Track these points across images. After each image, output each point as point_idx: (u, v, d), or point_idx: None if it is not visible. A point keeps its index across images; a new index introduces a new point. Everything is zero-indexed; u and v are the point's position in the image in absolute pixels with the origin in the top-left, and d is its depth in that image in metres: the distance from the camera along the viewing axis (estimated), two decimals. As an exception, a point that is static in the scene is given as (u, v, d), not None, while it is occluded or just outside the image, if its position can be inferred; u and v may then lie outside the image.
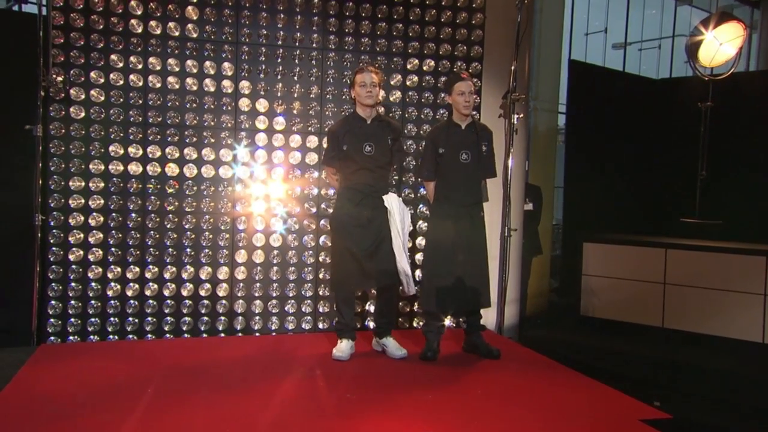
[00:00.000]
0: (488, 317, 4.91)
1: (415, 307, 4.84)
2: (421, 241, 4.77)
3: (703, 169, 6.03)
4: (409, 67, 4.81)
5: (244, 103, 4.52)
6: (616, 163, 6.71)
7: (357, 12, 4.68)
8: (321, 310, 4.70)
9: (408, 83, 4.81)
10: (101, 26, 4.31)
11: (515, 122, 4.77)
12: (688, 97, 6.24)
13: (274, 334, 4.60)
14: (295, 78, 4.60)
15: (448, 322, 4.76)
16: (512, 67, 4.75)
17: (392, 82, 4.76)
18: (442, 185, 4.09)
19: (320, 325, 4.70)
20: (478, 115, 4.91)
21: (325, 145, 4.60)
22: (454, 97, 4.03)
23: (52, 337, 4.29)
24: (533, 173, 6.84)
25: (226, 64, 4.49)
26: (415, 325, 4.85)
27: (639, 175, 6.76)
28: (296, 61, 4.60)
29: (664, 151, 6.71)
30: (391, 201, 4.00)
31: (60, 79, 4.21)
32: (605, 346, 4.57)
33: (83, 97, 4.30)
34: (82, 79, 4.29)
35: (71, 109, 4.28)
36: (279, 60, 4.57)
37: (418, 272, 4.62)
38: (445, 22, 4.84)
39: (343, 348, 3.94)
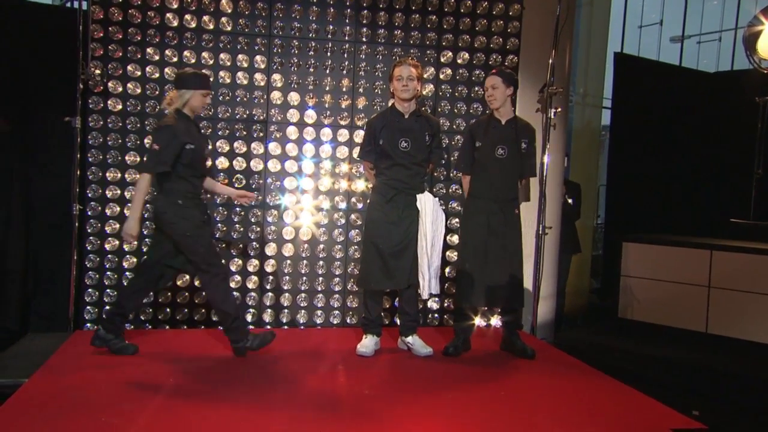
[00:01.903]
0: (523, 317, 4.79)
1: (446, 304, 4.76)
2: (451, 237, 4.69)
3: (759, 167, 5.74)
4: (442, 60, 4.72)
5: (275, 96, 4.53)
6: (664, 160, 6.46)
7: (390, 4, 4.62)
8: (349, 304, 4.68)
9: (441, 76, 4.72)
10: (138, 20, 4.39)
11: (552, 117, 4.61)
12: (745, 91, 5.94)
13: (302, 327, 4.60)
14: (327, 71, 4.57)
15: (479, 321, 4.67)
16: (550, 60, 4.59)
17: (425, 75, 4.67)
18: (477, 180, 4.00)
19: (348, 320, 4.67)
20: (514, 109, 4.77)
21: (357, 139, 4.59)
22: (485, 92, 3.96)
23: (88, 324, 4.40)
24: (575, 170, 6.65)
25: (258, 57, 4.50)
26: (444, 323, 4.77)
27: (689, 173, 6.48)
28: (328, 53, 4.58)
29: (717, 148, 6.41)
30: (425, 201, 3.91)
31: (98, 72, 4.31)
32: (643, 351, 4.38)
33: (120, 89, 4.39)
34: (120, 72, 4.38)
35: (109, 102, 4.38)
36: (311, 53, 4.56)
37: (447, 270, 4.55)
38: (481, 13, 4.72)
39: (367, 344, 3.90)
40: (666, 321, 4.72)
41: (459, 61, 4.73)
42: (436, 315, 4.80)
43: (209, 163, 3.99)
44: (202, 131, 3.93)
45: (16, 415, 2.71)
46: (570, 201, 5.64)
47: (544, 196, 4.71)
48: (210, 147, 4.01)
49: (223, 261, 4.15)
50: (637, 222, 6.14)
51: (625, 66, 6.55)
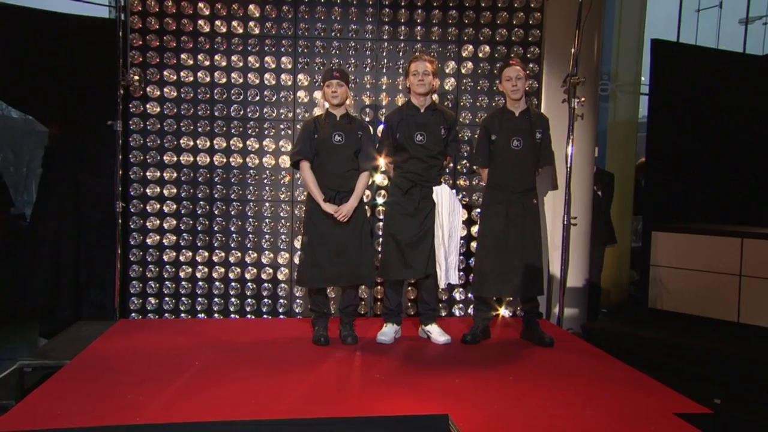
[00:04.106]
0: (551, 308, 4.80)
1: (470, 295, 4.83)
2: (472, 228, 4.76)
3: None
4: (464, 54, 4.79)
5: (301, 95, 4.72)
6: (705, 148, 6.27)
7: (411, 1, 4.72)
8: (377, 296, 4.81)
9: (463, 70, 4.79)
10: (173, 27, 4.66)
11: (575, 106, 4.60)
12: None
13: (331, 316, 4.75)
14: (351, 69, 4.72)
15: (504, 310, 4.72)
16: (572, 50, 4.58)
17: (447, 70, 4.76)
18: (494, 172, 4.08)
19: (377, 311, 4.81)
20: (536, 102, 4.81)
21: (380, 135, 4.72)
22: (503, 84, 4.03)
23: (133, 314, 4.71)
24: (611, 160, 6.56)
25: (284, 59, 4.70)
26: (470, 312, 4.83)
27: (730, 161, 6.26)
28: (351, 52, 4.73)
29: (760, 135, 6.18)
30: (441, 193, 4.01)
31: (137, 78, 4.61)
32: (671, 340, 4.32)
33: (158, 94, 4.67)
34: (157, 77, 4.67)
35: (147, 106, 4.67)
36: (334, 52, 4.72)
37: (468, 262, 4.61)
38: (502, 6, 4.77)
39: (386, 332, 4.03)
40: (697, 311, 4.63)
41: (480, 54, 4.79)
42: (461, 305, 4.88)
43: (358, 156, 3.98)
44: (353, 123, 4.00)
45: (53, 391, 2.99)
46: (599, 192, 5.58)
47: (569, 187, 4.71)
48: (364, 139, 3.99)
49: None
50: (677, 212, 6.00)
51: (663, 53, 6.39)
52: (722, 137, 6.20)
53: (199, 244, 4.73)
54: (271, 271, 4.77)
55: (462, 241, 4.58)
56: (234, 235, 4.74)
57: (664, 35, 6.52)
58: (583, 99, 4.64)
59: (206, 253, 4.74)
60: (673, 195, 6.13)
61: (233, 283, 4.75)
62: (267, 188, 4.74)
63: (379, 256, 4.27)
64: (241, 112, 4.71)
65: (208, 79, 4.69)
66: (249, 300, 4.76)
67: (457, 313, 4.88)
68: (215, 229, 4.73)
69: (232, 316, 4.75)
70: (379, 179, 4.71)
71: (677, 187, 6.14)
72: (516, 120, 4.03)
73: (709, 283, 4.56)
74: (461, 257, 4.70)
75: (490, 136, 4.07)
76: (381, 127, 4.35)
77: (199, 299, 4.75)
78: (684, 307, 4.69)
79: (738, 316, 4.43)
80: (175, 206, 4.72)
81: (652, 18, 7.30)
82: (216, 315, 4.74)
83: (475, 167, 4.55)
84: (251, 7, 4.67)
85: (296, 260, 4.73)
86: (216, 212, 4.73)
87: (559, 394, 3.09)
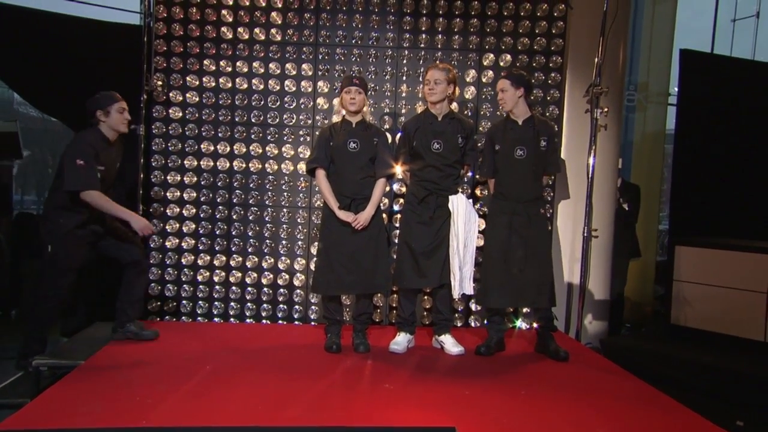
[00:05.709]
0: (571, 322, 4.72)
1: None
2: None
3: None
4: (485, 63, 4.75)
5: (321, 102, 4.73)
6: (734, 161, 6.12)
7: (432, 9, 4.71)
8: (393, 304, 4.78)
9: (483, 79, 4.75)
10: (197, 34, 4.72)
11: (597, 117, 4.53)
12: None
13: (346, 323, 4.74)
14: (371, 76, 4.72)
15: (520, 323, 4.65)
16: (596, 60, 4.52)
17: (467, 79, 4.73)
18: (499, 182, 4.04)
19: (392, 319, 4.78)
20: (558, 111, 4.74)
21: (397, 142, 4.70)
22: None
23: (151, 316, 4.75)
24: (636, 172, 6.44)
25: (305, 65, 4.72)
26: (486, 323, 4.77)
27: (761, 176, 6.10)
28: (371, 60, 4.73)
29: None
30: (457, 203, 3.97)
31: (160, 83, 4.67)
32: (693, 358, 4.20)
33: (180, 99, 4.73)
34: (180, 83, 4.72)
35: (170, 110, 4.73)
36: (355, 59, 4.72)
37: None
38: (524, 15, 4.72)
39: (399, 341, 4.00)
40: (721, 329, 4.49)
41: (501, 63, 4.74)
42: (477, 316, 4.82)
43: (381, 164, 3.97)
44: (369, 130, 3.99)
45: (65, 391, 3.03)
46: (625, 205, 5.49)
47: (591, 198, 4.63)
48: (382, 143, 4.00)
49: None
50: (704, 226, 5.86)
51: (692, 63, 6.27)
52: (753, 150, 6.05)
53: (217, 249, 4.76)
54: (287, 276, 4.77)
55: (478, 251, 4.53)
56: (251, 240, 4.76)
57: (699, 46, 6.41)
58: (606, 109, 4.57)
59: (224, 258, 4.76)
60: (699, 209, 5.99)
61: (250, 288, 4.76)
62: (285, 194, 4.75)
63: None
64: (261, 118, 4.73)
65: (229, 85, 4.73)
66: (265, 305, 4.77)
67: (472, 324, 4.82)
68: (233, 233, 4.76)
69: (248, 320, 4.76)
70: (397, 187, 4.69)
71: (704, 201, 6.00)
72: (519, 129, 3.98)
73: (735, 301, 4.42)
74: (476, 268, 4.64)
75: (495, 146, 4.03)
76: (399, 135, 4.34)
77: (216, 303, 4.77)
78: (708, 324, 4.56)
79: (765, 335, 4.28)
80: (194, 210, 4.76)
81: (688, 28, 7.19)
82: (232, 320, 4.76)
83: (477, 176, 4.50)
84: (273, 14, 4.71)
85: (312, 267, 4.74)
86: (234, 217, 4.76)
87: (570, 411, 3.02)
